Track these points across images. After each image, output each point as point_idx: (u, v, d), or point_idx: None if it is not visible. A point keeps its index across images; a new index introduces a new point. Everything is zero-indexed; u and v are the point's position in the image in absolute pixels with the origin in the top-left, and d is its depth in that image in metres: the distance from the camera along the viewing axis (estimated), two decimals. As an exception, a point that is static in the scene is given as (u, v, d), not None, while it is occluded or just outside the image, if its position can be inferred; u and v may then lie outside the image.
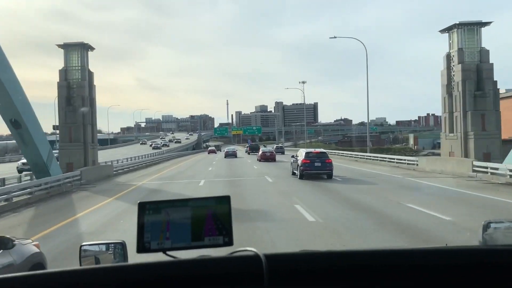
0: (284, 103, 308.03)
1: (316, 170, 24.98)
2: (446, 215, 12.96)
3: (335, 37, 44.50)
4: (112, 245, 2.41)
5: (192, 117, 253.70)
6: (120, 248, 2.38)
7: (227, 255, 1.45)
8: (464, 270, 1.47)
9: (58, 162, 28.17)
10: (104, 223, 14.00)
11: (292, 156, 29.20)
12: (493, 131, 28.74)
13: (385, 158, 39.68)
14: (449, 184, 22.13)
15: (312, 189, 20.95)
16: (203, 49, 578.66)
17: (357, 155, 48.90)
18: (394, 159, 37.68)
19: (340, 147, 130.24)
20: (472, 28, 29.55)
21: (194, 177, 29.72)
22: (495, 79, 29.41)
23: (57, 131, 36.01)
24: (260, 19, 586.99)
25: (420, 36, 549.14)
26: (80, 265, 2.27)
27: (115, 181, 29.52)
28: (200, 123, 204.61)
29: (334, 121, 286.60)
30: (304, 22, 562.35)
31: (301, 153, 26.49)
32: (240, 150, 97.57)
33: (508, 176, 21.52)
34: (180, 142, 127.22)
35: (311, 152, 26.41)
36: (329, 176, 25.35)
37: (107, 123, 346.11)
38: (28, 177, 25.54)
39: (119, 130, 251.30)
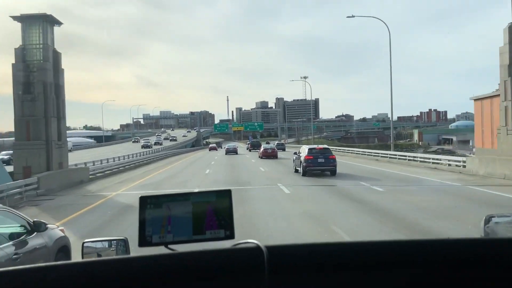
0: (285, 99, 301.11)
1: (319, 167, 23.97)
2: None
3: (352, 16, 37.72)
4: (115, 241, 2.41)
5: (192, 113, 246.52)
6: (123, 244, 2.38)
7: (228, 247, 1.42)
8: (465, 261, 1.44)
9: (8, 166, 21.46)
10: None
11: (295, 153, 27.66)
12: None
13: (416, 157, 32.85)
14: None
15: (350, 208, 14.21)
16: (202, 45, 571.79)
17: (377, 153, 41.99)
18: (429, 158, 30.77)
19: (345, 144, 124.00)
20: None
21: (186, 184, 22.96)
22: None
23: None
24: (259, 14, 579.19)
25: (420, 31, 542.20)
26: None
27: (85, 189, 22.77)
28: (200, 119, 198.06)
29: (336, 117, 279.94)
30: (304, 16, 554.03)
31: (304, 150, 25.12)
32: (241, 147, 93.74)
33: None
34: (175, 140, 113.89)
35: (314, 148, 25.24)
36: (333, 173, 24.08)
37: (102, 119, 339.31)
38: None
39: (119, 127, 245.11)
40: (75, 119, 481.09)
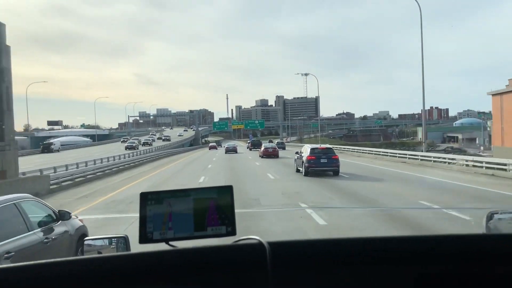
0: (285, 97, 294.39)
1: (322, 167, 23.12)
2: None
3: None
4: (115, 239, 2.36)
5: (191, 111, 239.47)
6: (123, 242, 2.33)
7: (230, 243, 1.40)
8: (466, 257, 1.42)
9: None
10: None
11: (296, 153, 26.36)
12: None
13: (453, 159, 26.21)
14: None
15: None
16: (202, 43, 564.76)
17: (404, 154, 35.26)
18: (482, 162, 23.98)
19: (350, 142, 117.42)
20: None
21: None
22: None
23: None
24: (258, 12, 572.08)
25: (419, 29, 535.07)
26: None
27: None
28: (200, 117, 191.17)
29: (336, 115, 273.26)
30: (303, 14, 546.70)
31: (306, 149, 24.33)
32: (241, 145, 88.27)
33: None
34: (169, 139, 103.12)
35: (316, 148, 24.31)
36: (336, 173, 23.15)
37: (99, 118, 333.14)
38: None
39: (117, 126, 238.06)
40: (74, 117, 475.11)
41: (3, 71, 18.80)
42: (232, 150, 59.01)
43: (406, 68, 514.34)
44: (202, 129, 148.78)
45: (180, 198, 1.53)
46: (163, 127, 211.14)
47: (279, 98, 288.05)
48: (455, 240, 1.47)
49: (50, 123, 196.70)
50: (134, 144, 73.45)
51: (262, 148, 44.34)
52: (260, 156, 43.20)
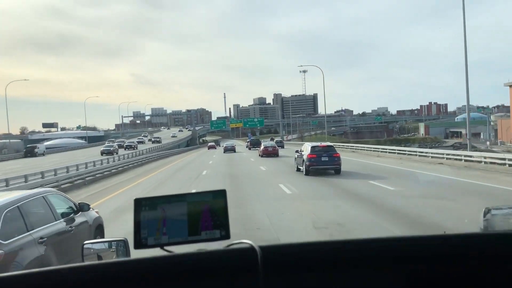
0: (282, 95, 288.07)
1: (323, 165, 21.88)
2: None
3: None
4: (114, 242, 2.32)
5: (188, 111, 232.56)
6: (123, 245, 2.30)
7: (222, 248, 1.40)
8: (463, 257, 1.41)
9: None
10: None
11: (296, 151, 25.19)
12: None
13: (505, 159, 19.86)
14: None
15: None
16: (198, 42, 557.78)
17: (439, 153, 28.80)
18: None
19: (353, 140, 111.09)
20: None
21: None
22: None
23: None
24: (255, 10, 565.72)
25: (415, 25, 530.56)
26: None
27: None
28: (197, 116, 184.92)
29: (335, 112, 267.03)
30: (299, 13, 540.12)
31: (306, 148, 23.13)
32: (240, 145, 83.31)
33: None
34: (159, 141, 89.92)
35: (317, 146, 23.11)
36: (337, 172, 21.89)
37: (95, 119, 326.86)
38: None
39: (114, 127, 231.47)
40: (72, 119, 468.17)
41: None
42: (230, 150, 58.50)
43: (402, 65, 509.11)
44: (199, 129, 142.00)
45: (174, 203, 1.51)
46: (162, 127, 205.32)
47: (277, 96, 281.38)
48: (445, 240, 1.45)
49: (45, 125, 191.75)
50: (111, 148, 59.12)
51: (262, 147, 42.57)
52: (259, 155, 41.23)
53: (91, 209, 7.66)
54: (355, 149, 45.51)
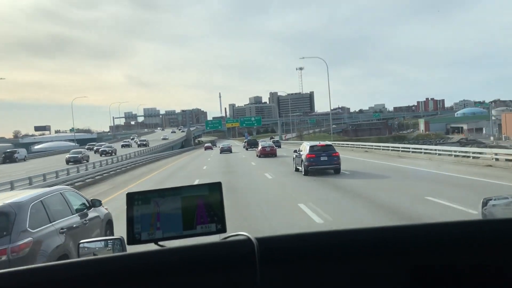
0: (278, 94, 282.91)
1: (322, 165, 21.05)
2: None
3: None
4: (111, 241, 2.27)
5: (183, 111, 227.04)
6: (119, 243, 2.22)
7: (218, 240, 1.38)
8: (462, 242, 1.39)
9: None
10: None
11: (295, 151, 24.07)
12: None
13: None
14: None
15: None
16: (192, 42, 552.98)
17: (464, 151, 23.30)
18: None
19: (355, 138, 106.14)
20: None
21: None
22: None
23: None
24: (248, 10, 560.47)
25: (409, 22, 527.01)
26: None
27: None
28: (192, 117, 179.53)
29: (332, 109, 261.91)
30: (292, 11, 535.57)
31: (305, 147, 22.23)
32: (237, 145, 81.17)
33: None
34: (146, 145, 79.99)
35: (316, 145, 22.09)
36: (337, 171, 21.06)
37: (71, 119, 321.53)
38: None
39: (108, 129, 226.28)
40: (65, 122, 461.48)
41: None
42: (227, 150, 58.27)
43: (397, 61, 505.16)
44: (194, 129, 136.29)
45: (168, 198, 1.46)
46: (159, 128, 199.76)
47: (272, 95, 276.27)
48: (449, 227, 1.43)
49: (37, 128, 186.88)
50: (79, 155, 46.27)
51: (259, 147, 41.11)
52: (257, 155, 39.96)
53: (102, 205, 8.05)
54: (368, 148, 40.10)
